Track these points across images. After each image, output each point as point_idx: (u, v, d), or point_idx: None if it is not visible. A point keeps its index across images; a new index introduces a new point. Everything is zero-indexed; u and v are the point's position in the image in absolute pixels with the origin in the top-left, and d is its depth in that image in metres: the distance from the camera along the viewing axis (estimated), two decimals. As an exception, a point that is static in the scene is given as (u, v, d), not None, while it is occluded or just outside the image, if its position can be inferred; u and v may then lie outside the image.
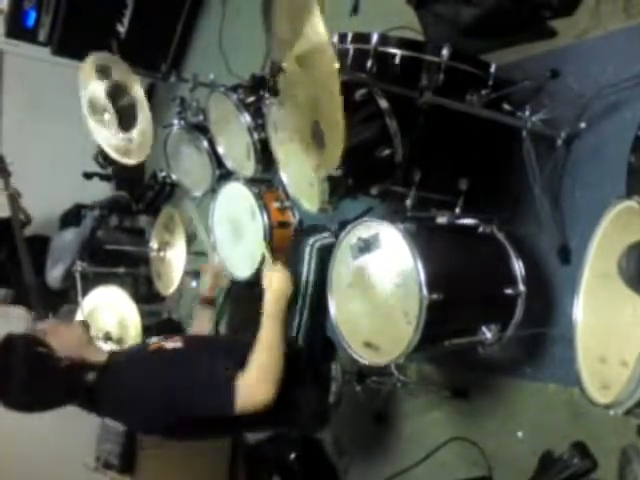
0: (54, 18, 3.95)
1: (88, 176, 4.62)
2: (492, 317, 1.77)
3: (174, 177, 3.08)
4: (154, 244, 3.01)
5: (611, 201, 1.31)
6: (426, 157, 1.92)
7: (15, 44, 4.28)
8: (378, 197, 2.04)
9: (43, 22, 4.00)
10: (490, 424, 2.16)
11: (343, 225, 1.88)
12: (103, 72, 2.68)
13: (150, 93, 4.69)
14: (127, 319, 2.86)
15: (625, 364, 1.21)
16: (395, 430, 2.56)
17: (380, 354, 1.73)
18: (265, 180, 2.55)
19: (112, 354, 1.77)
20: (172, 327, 3.69)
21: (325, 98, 1.47)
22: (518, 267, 1.79)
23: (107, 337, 2.79)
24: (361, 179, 1.91)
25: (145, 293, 3.96)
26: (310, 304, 1.90)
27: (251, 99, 2.45)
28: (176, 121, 2.84)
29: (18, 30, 4.06)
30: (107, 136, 2.79)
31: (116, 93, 2.68)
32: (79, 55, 4.16)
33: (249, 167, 2.56)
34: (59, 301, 3.85)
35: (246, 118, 2.42)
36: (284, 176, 2.24)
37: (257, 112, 2.42)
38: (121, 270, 3.52)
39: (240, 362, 1.66)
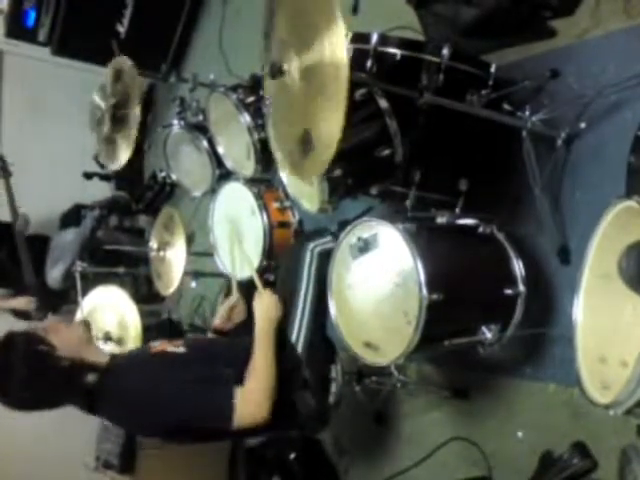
0: (54, 18, 3.95)
1: (88, 176, 4.62)
2: (492, 317, 1.77)
3: (174, 177, 3.09)
4: (154, 244, 3.01)
5: (611, 201, 1.31)
6: (426, 157, 1.92)
7: (15, 44, 4.28)
8: (378, 197, 2.04)
9: (43, 22, 4.00)
10: (490, 424, 2.16)
11: (343, 225, 1.88)
12: (117, 75, 2.72)
13: (150, 93, 4.69)
14: (127, 319, 2.85)
15: (625, 364, 1.21)
16: (395, 430, 2.56)
17: (380, 354, 1.73)
18: (265, 180, 2.56)
19: (113, 357, 1.76)
20: (172, 327, 3.69)
21: (325, 109, 1.45)
22: (518, 267, 1.79)
23: (107, 337, 2.79)
24: (361, 179, 1.91)
25: (145, 293, 3.95)
26: (310, 309, 1.90)
27: (251, 99, 2.45)
28: (176, 121, 2.85)
29: (18, 30, 4.06)
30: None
31: (120, 100, 2.72)
32: (79, 55, 4.22)
33: (249, 167, 2.56)
34: (59, 301, 3.84)
35: (246, 118, 2.43)
36: (284, 176, 2.25)
37: (257, 112, 2.42)
38: (121, 270, 3.52)
39: (240, 368, 1.69)
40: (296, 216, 2.54)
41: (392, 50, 1.78)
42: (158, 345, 1.80)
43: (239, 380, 1.66)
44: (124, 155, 2.76)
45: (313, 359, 1.87)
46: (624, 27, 1.82)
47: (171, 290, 2.92)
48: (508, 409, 2.11)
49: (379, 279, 1.72)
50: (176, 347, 1.76)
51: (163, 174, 3.57)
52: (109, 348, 2.75)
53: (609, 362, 1.29)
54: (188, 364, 1.71)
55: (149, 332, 3.05)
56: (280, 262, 2.30)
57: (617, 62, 1.82)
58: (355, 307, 1.79)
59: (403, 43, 1.80)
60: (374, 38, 1.72)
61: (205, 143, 2.76)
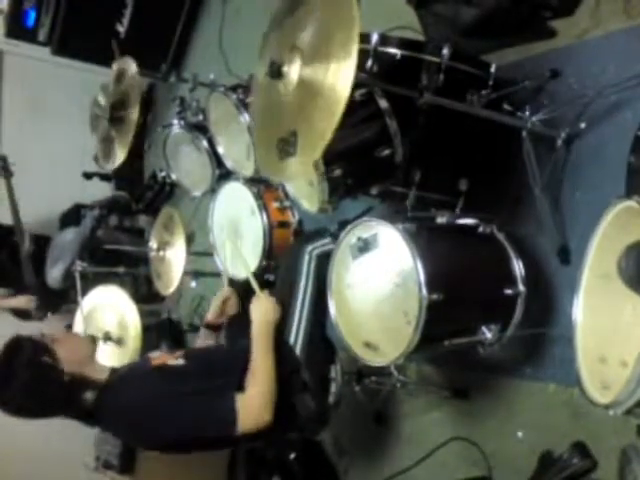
0: (54, 18, 3.95)
1: (88, 176, 4.62)
2: (492, 317, 1.77)
3: (174, 177, 3.09)
4: (154, 244, 3.01)
5: (611, 201, 1.31)
6: (426, 157, 1.92)
7: (15, 44, 4.28)
8: (378, 197, 2.04)
9: (43, 22, 4.00)
10: (490, 424, 2.16)
11: (343, 225, 1.88)
12: (120, 76, 2.72)
13: (150, 93, 4.70)
14: (127, 319, 2.85)
15: (625, 364, 1.21)
16: (395, 430, 2.56)
17: (380, 354, 1.73)
18: (265, 180, 2.55)
19: (114, 371, 1.75)
20: (172, 327, 3.69)
21: (318, 112, 1.43)
22: (518, 267, 1.79)
23: (107, 337, 2.79)
24: (361, 179, 1.91)
25: (145, 293, 3.95)
26: (309, 310, 1.90)
27: (251, 99, 2.45)
28: (176, 121, 2.85)
29: (18, 30, 4.06)
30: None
31: (119, 101, 2.72)
32: (79, 55, 4.22)
33: (249, 167, 2.56)
34: (59, 301, 3.85)
35: (246, 118, 2.43)
36: (284, 176, 2.24)
37: (257, 112, 2.42)
38: (121, 270, 3.51)
39: (240, 373, 1.69)
40: (296, 216, 2.54)
41: (392, 50, 1.78)
42: (158, 357, 1.79)
43: (240, 385, 1.66)
44: (120, 156, 2.76)
45: (312, 360, 1.87)
46: (624, 27, 1.82)
47: (171, 290, 2.93)
48: (508, 409, 2.11)
49: (379, 279, 1.72)
50: (175, 359, 1.76)
51: (163, 174, 3.56)
52: (109, 348, 2.76)
53: (609, 362, 1.29)
54: (187, 377, 1.71)
55: (149, 332, 3.05)
56: (280, 262, 2.30)
57: (617, 62, 1.82)
58: (355, 307, 1.79)
59: (403, 43, 1.80)
60: (374, 38, 1.71)
61: (205, 143, 2.76)
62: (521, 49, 2.09)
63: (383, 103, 1.76)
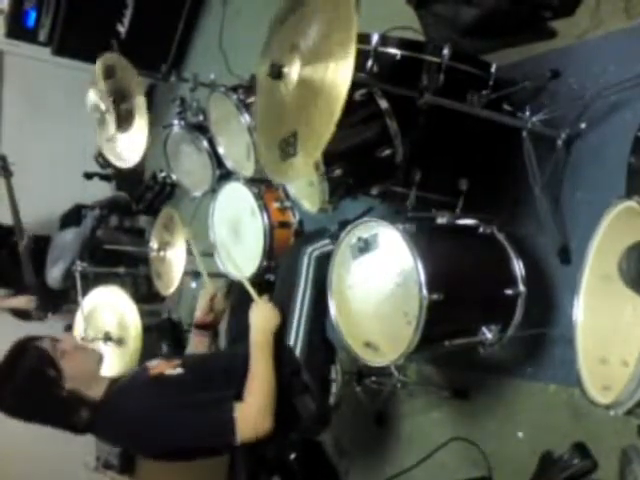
0: (54, 18, 3.95)
1: (88, 176, 4.63)
2: (492, 317, 1.77)
3: (174, 177, 3.08)
4: (154, 244, 3.01)
5: (611, 201, 1.31)
6: (426, 157, 1.92)
7: (15, 44, 4.28)
8: (378, 197, 2.04)
9: (43, 22, 3.99)
10: (490, 424, 2.16)
11: (343, 225, 1.88)
12: (109, 72, 2.70)
13: (150, 93, 4.69)
14: (127, 319, 2.85)
15: (625, 364, 1.21)
16: (395, 431, 2.56)
17: (380, 354, 1.73)
18: (265, 180, 2.55)
19: (112, 382, 1.74)
20: (172, 327, 3.69)
21: (318, 112, 1.43)
22: (518, 267, 1.79)
23: (107, 337, 2.79)
24: (361, 179, 1.91)
25: (145, 293, 3.95)
26: (308, 312, 1.90)
27: (251, 99, 2.45)
28: (176, 121, 2.85)
29: (18, 30, 4.06)
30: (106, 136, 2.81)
31: (118, 95, 2.70)
32: (79, 55, 4.22)
33: (249, 167, 2.56)
34: (59, 301, 3.85)
35: (246, 118, 2.42)
36: (284, 176, 2.24)
37: (257, 112, 2.42)
38: (121, 270, 3.51)
39: (239, 380, 1.69)
40: (296, 216, 2.53)
41: (392, 50, 1.78)
42: (156, 366, 1.79)
43: (239, 394, 1.66)
44: (139, 148, 2.66)
45: (312, 361, 1.87)
46: (624, 27, 1.82)
47: (171, 290, 2.92)
48: (508, 409, 2.11)
49: (379, 279, 1.72)
50: (173, 368, 1.75)
51: (163, 174, 3.57)
52: (109, 349, 2.76)
53: (610, 362, 1.29)
54: (186, 387, 1.71)
55: (149, 332, 3.05)
56: (280, 262, 2.30)
57: (617, 62, 1.82)
58: (355, 307, 1.79)
59: (403, 43, 1.80)
60: (374, 38, 1.71)
61: (205, 143, 2.76)
62: (521, 49, 2.09)
63: (383, 103, 1.76)
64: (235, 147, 2.61)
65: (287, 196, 2.45)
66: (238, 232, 2.57)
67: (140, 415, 1.65)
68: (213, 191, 2.76)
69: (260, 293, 1.98)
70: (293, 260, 1.98)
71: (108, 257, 3.73)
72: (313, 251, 1.96)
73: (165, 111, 4.18)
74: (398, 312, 1.65)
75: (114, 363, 2.70)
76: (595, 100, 1.80)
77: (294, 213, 2.53)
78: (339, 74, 1.36)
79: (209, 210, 2.66)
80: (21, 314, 3.83)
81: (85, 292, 2.96)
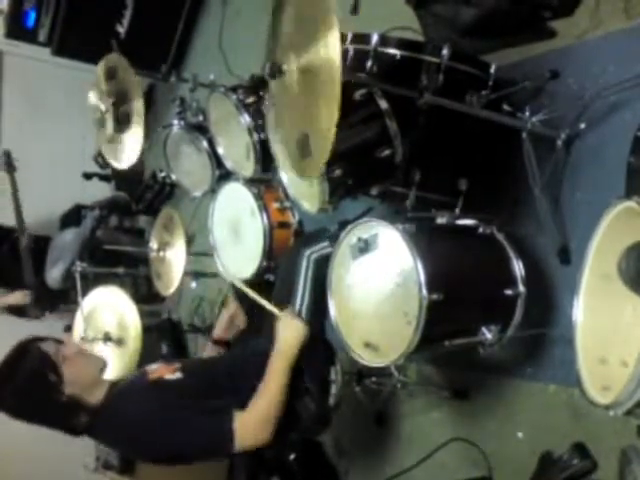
0: (54, 18, 3.95)
1: (88, 176, 4.63)
2: (492, 318, 1.77)
3: (174, 177, 3.08)
4: (154, 244, 3.01)
5: (611, 201, 1.31)
6: (426, 157, 1.92)
7: (15, 44, 4.28)
8: (378, 197, 2.04)
9: (43, 22, 4.00)
10: (490, 424, 2.16)
11: (343, 225, 1.88)
12: (111, 73, 2.71)
13: (150, 93, 4.70)
14: (127, 319, 2.85)
15: (625, 365, 1.21)
16: (395, 431, 2.56)
17: (380, 354, 1.73)
18: (265, 180, 2.55)
19: (112, 386, 1.73)
20: (172, 327, 3.69)
21: (323, 111, 1.45)
22: (518, 268, 1.79)
23: (107, 337, 2.79)
24: (361, 179, 1.91)
25: (145, 293, 3.95)
26: (307, 313, 1.90)
27: (251, 99, 2.45)
28: (176, 121, 2.84)
29: (18, 30, 4.06)
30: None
31: (119, 97, 2.71)
32: (79, 55, 4.22)
33: (249, 167, 2.56)
34: (59, 301, 3.85)
35: (246, 118, 2.42)
36: (284, 176, 2.24)
37: (257, 112, 2.42)
38: (121, 270, 3.51)
39: (241, 387, 1.69)
40: (296, 216, 2.53)
41: (392, 51, 1.78)
42: (155, 370, 1.78)
43: (245, 400, 1.65)
44: (133, 151, 2.70)
45: (312, 362, 1.87)
46: (624, 27, 1.82)
47: (171, 290, 2.93)
48: (508, 409, 2.11)
49: (379, 279, 1.72)
50: (172, 373, 1.74)
51: (163, 174, 3.56)
52: (109, 349, 2.76)
53: (609, 363, 1.29)
54: (185, 392, 1.70)
55: (149, 332, 3.05)
56: (279, 263, 2.30)
57: (617, 63, 1.82)
58: (355, 307, 1.79)
59: (403, 43, 1.80)
60: (374, 39, 1.72)
61: (205, 143, 2.76)
62: (521, 49, 2.09)
63: (383, 103, 1.76)
64: (235, 147, 2.61)
65: (287, 196, 2.45)
66: (238, 232, 2.57)
67: (139, 419, 1.64)
68: (213, 191, 2.76)
69: (260, 293, 1.97)
70: (292, 262, 1.98)
71: (108, 257, 3.73)
72: (312, 254, 1.95)
73: (165, 111, 4.19)
74: (398, 312, 1.65)
75: (114, 363, 2.69)
76: (595, 100, 1.80)
77: (294, 213, 2.53)
78: (330, 46, 1.37)
79: (209, 210, 2.66)
80: (17, 310, 3.81)
81: (85, 292, 2.95)
